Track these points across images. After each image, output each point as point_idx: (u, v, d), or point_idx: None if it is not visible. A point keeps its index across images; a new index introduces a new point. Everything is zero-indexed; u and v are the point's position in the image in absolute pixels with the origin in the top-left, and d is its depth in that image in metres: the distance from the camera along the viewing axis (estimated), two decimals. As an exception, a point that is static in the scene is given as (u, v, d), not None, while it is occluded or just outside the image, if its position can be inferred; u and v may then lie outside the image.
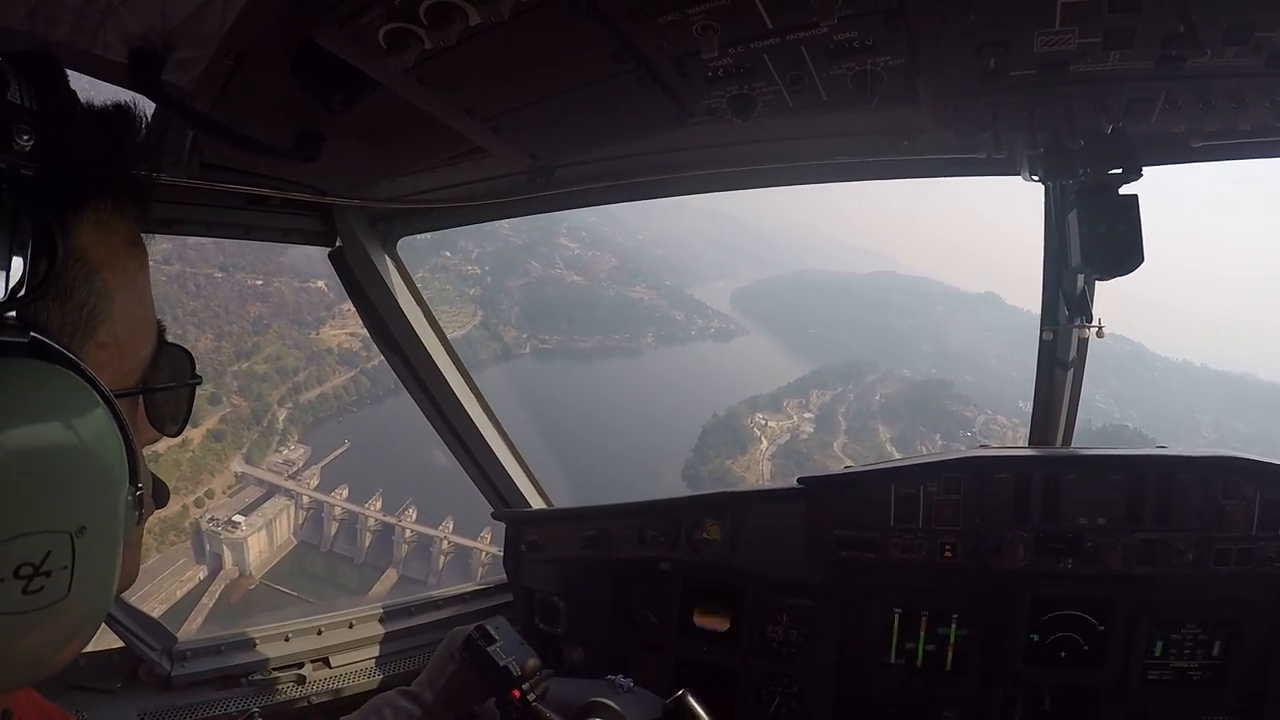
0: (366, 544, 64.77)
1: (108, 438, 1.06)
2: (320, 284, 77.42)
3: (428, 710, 2.70)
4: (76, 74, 2.11)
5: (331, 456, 73.15)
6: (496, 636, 2.75)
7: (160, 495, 1.38)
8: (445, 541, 62.61)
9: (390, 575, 62.78)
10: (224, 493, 65.89)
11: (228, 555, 60.05)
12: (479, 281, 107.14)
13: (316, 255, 4.06)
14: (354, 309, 4.24)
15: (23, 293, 1.00)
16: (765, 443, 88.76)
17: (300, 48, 2.14)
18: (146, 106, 2.23)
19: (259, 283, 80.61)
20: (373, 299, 4.12)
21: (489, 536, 59.10)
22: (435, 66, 2.01)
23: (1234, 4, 1.92)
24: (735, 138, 3.15)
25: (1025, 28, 2.01)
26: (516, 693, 2.71)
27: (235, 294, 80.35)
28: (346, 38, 1.87)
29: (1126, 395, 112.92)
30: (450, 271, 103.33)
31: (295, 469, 69.41)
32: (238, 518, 61.85)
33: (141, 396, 1.30)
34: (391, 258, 4.08)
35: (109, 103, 1.22)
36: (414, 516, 64.59)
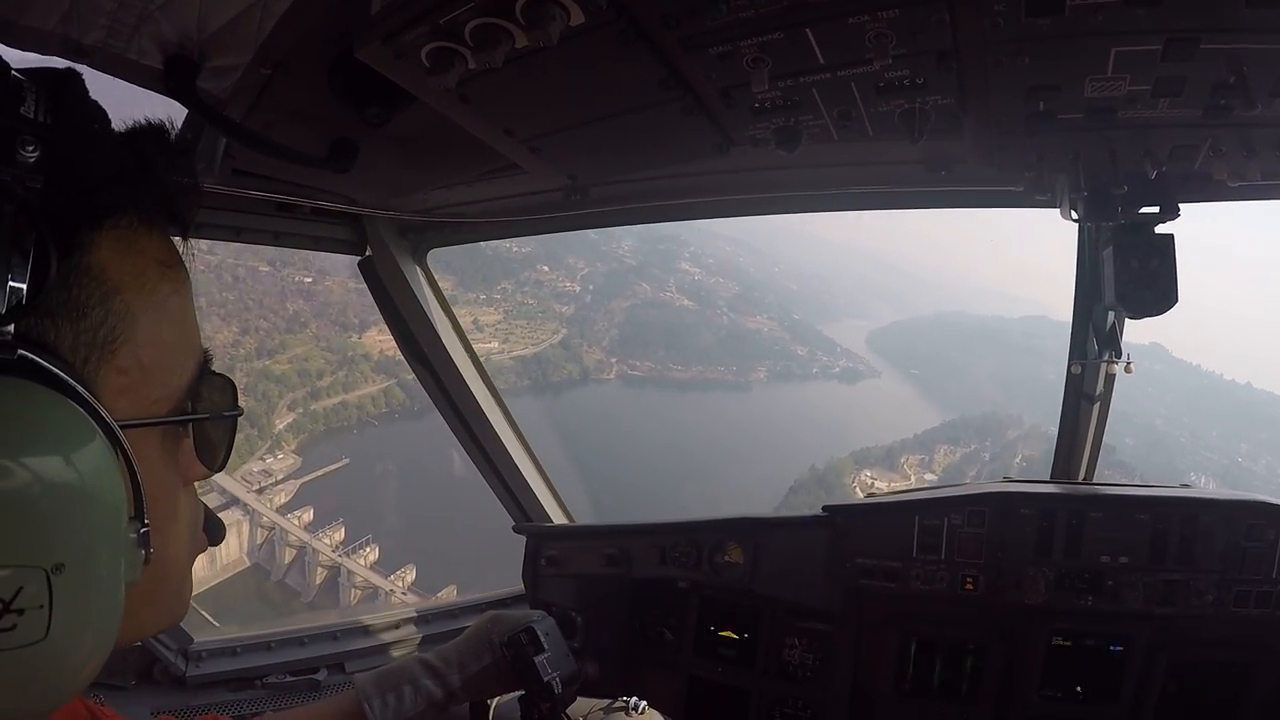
0: (318, 580, 59.89)
1: (100, 468, 0.98)
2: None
3: (451, 694, 2.58)
4: (113, 79, 2.13)
5: (318, 473, 68.58)
6: (546, 645, 2.65)
7: (215, 532, 1.33)
8: (395, 595, 56.45)
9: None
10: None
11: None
12: (575, 299, 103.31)
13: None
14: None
15: (8, 308, 0.94)
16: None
17: (337, 58, 2.14)
18: (180, 113, 2.24)
19: (308, 280, 78.37)
20: (401, 309, 4.13)
21: (452, 594, 55.47)
22: (478, 86, 1.99)
23: None
24: (772, 163, 3.13)
25: (1077, 73, 1.99)
26: (547, 704, 2.67)
27: (277, 289, 78.40)
28: (388, 55, 1.86)
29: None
30: (544, 286, 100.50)
31: (269, 481, 65.36)
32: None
33: (191, 429, 1.23)
34: (421, 268, 4.09)
35: (140, 120, 1.17)
36: (374, 558, 59.81)
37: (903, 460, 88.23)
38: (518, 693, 2.75)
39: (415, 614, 4.57)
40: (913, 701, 3.88)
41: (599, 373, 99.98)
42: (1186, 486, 3.89)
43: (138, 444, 1.06)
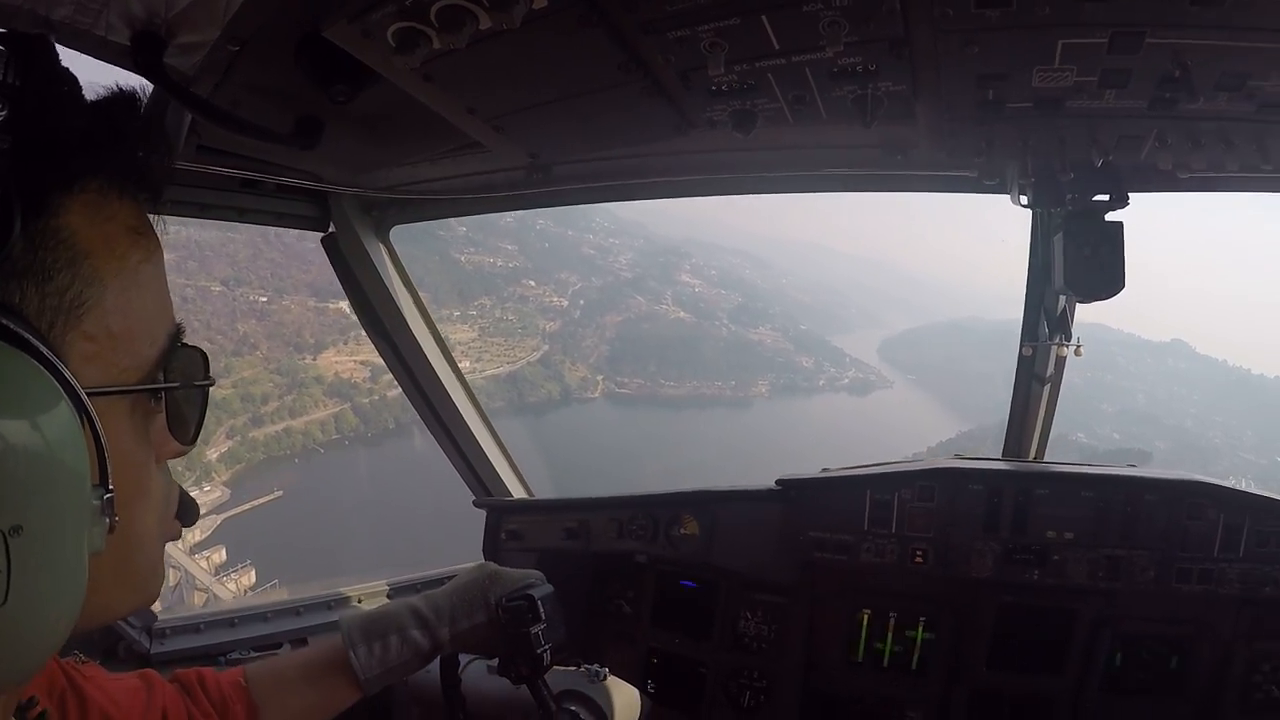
0: (226, 630, 54.36)
1: (62, 431, 0.95)
2: (342, 305, 61.39)
3: (437, 646, 2.46)
4: (81, 56, 2.13)
5: (243, 507, 61.98)
6: (544, 615, 2.52)
7: (188, 513, 1.32)
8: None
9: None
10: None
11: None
12: (563, 314, 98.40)
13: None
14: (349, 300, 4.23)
15: None
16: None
17: (303, 37, 2.14)
18: (147, 89, 2.25)
19: (263, 299, 74.11)
20: (363, 284, 4.15)
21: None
22: (441, 65, 2.02)
23: (1228, 53, 1.96)
24: (732, 144, 3.15)
25: (1025, 63, 2.05)
26: (528, 670, 2.64)
27: (228, 310, 74.12)
28: (355, 33, 1.88)
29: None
30: (529, 302, 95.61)
31: (185, 518, 60.56)
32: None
33: (164, 404, 1.20)
34: (384, 244, 4.12)
35: (110, 86, 1.13)
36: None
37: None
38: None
39: (386, 586, 4.58)
40: (865, 673, 3.97)
41: (582, 391, 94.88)
42: (1133, 466, 3.98)
43: (106, 413, 1.04)
